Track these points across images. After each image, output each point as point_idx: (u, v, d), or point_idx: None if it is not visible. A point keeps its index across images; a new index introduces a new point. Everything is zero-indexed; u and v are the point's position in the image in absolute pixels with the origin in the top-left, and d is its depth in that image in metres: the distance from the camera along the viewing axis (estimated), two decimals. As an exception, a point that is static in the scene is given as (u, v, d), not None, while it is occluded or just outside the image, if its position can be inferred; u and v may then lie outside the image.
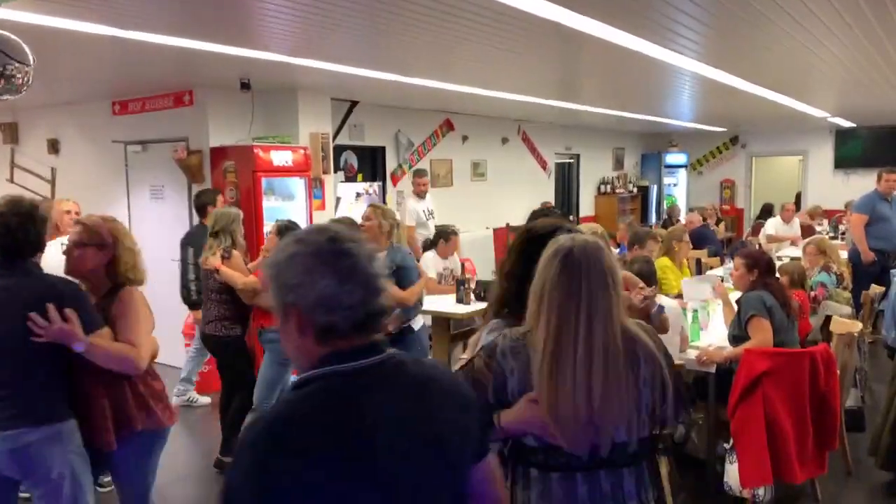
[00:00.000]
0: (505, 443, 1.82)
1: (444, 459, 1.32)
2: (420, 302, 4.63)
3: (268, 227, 6.34)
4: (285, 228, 4.14)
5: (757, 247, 8.73)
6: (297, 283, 1.25)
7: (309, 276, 1.24)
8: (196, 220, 5.81)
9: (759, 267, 4.13)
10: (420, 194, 7.83)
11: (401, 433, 1.25)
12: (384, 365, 1.30)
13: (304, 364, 1.29)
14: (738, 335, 4.02)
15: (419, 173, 7.98)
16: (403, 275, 4.34)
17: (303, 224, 6.65)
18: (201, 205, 5.56)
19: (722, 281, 6.74)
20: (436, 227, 6.98)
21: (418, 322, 4.62)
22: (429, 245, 6.82)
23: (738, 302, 4.15)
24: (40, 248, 2.64)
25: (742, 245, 8.75)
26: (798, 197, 13.12)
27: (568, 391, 1.67)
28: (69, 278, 2.68)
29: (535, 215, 2.97)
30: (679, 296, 5.05)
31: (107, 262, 2.75)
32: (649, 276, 4.06)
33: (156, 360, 2.90)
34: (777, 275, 4.57)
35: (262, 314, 4.24)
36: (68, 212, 4.50)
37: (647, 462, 1.86)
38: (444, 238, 6.38)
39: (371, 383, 1.27)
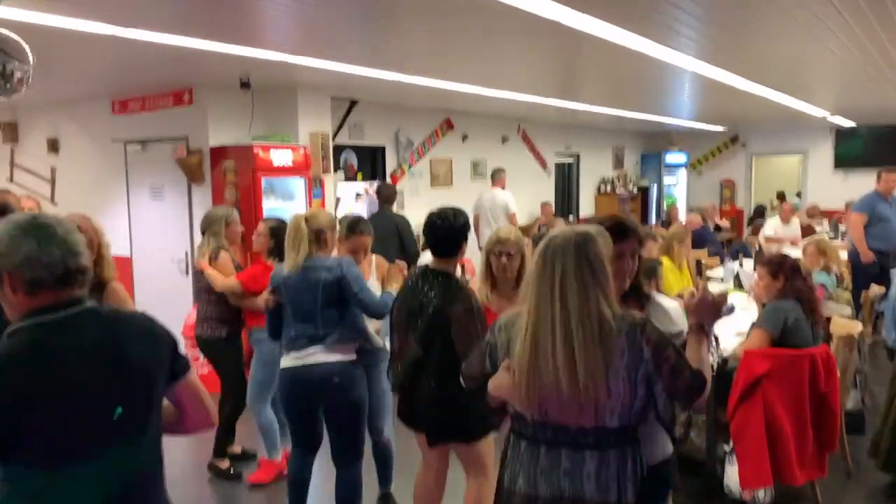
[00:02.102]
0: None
1: (136, 383, 1.69)
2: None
3: (267, 226, 6.35)
4: (277, 230, 4.09)
5: (757, 247, 8.75)
6: (4, 251, 1.58)
7: (14, 244, 1.57)
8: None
9: (784, 271, 3.98)
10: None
11: (95, 367, 1.61)
12: (81, 315, 1.64)
13: (17, 318, 1.61)
14: None
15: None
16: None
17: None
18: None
19: (721, 281, 6.75)
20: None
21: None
22: (426, 245, 6.79)
23: (763, 306, 4.04)
24: None
25: (742, 247, 8.75)
26: (781, 195, 13.10)
27: (538, 363, 1.91)
28: None
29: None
30: (680, 296, 5.04)
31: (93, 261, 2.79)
32: (650, 276, 4.04)
33: None
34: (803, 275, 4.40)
35: (251, 315, 4.23)
36: (30, 209, 4.54)
37: (631, 454, 1.96)
38: None
39: (69, 329, 1.60)
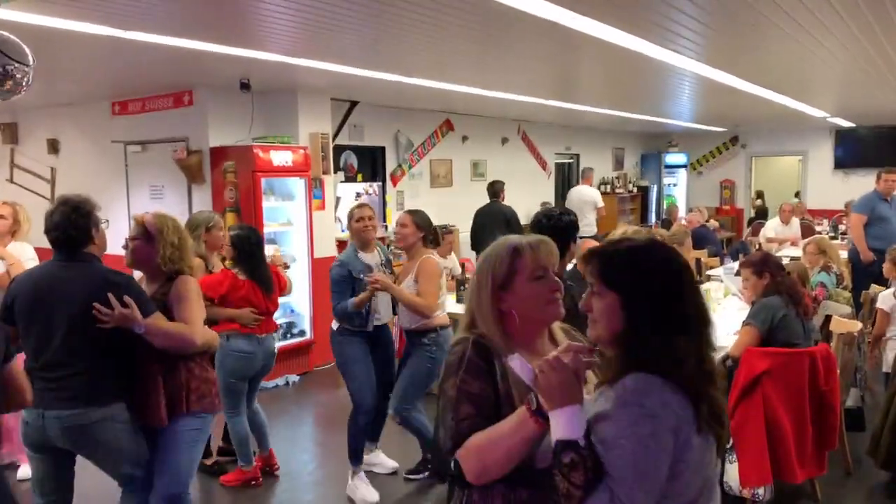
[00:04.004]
0: None
1: None
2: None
3: (268, 227, 6.35)
4: (234, 239, 4.20)
5: (756, 247, 8.75)
6: None
7: None
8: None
9: (769, 268, 4.02)
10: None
11: None
12: None
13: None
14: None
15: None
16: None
17: (300, 224, 6.67)
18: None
19: (721, 282, 6.75)
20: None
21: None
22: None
23: (753, 304, 4.06)
24: (90, 240, 2.86)
25: (742, 247, 8.76)
26: (760, 195, 13.07)
27: None
28: (119, 270, 2.92)
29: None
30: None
31: (156, 254, 2.98)
32: None
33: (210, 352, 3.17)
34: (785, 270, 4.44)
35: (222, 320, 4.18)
36: (2, 216, 4.57)
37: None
38: None
39: None
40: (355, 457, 4.18)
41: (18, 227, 4.61)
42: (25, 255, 4.53)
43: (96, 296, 2.71)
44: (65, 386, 2.73)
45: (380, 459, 4.51)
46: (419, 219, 4.10)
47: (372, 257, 4.15)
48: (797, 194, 13.29)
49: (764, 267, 4.04)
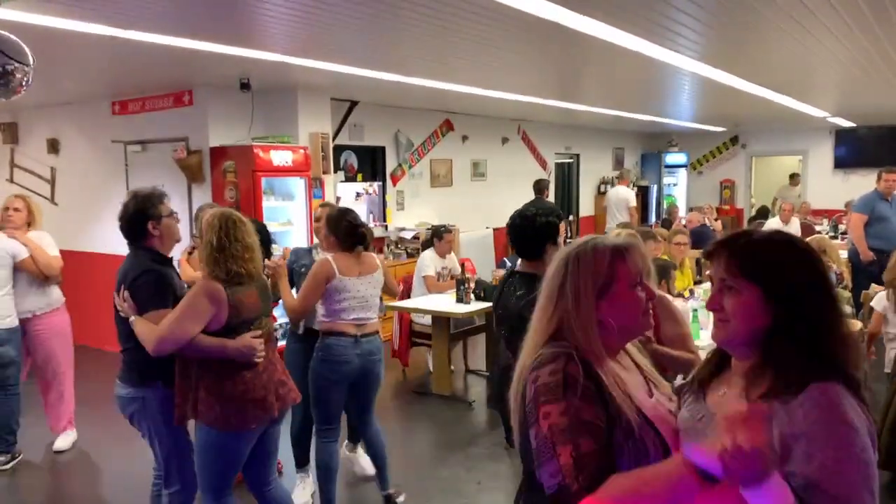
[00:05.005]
0: None
1: None
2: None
3: (268, 227, 6.35)
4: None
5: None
6: None
7: None
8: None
9: None
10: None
11: None
12: None
13: None
14: None
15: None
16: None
17: (300, 224, 6.66)
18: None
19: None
20: (431, 226, 7.01)
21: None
22: (426, 244, 6.86)
23: None
24: (143, 232, 3.03)
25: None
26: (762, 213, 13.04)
27: None
28: (149, 263, 3.03)
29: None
30: (680, 295, 5.05)
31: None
32: (663, 277, 4.06)
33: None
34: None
35: None
36: (6, 208, 4.75)
37: None
38: (437, 237, 6.46)
39: None
40: (300, 460, 4.16)
41: (34, 219, 4.76)
42: (44, 242, 4.72)
43: (119, 285, 2.97)
44: (120, 360, 3.09)
45: (361, 462, 4.41)
46: (330, 216, 3.79)
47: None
48: (792, 176, 13.22)
49: None
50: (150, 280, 2.94)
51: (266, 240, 4.18)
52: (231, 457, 2.97)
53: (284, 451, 4.65)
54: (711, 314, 1.46)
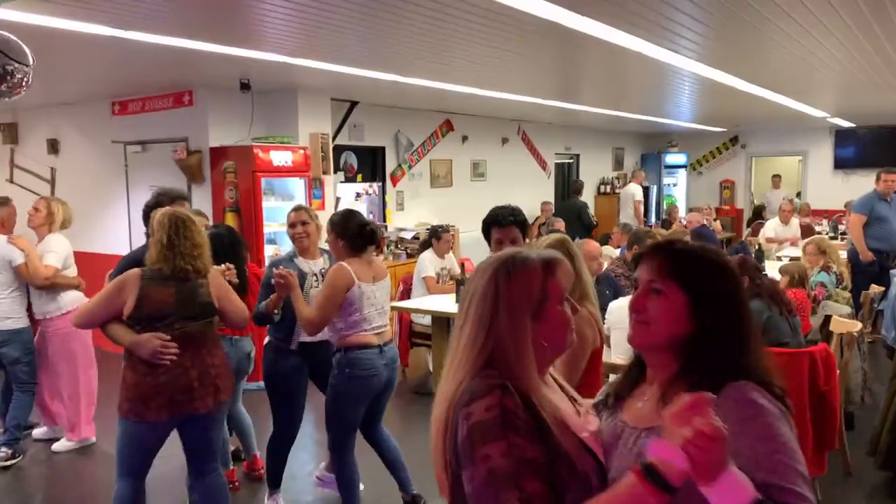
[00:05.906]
0: None
1: None
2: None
3: (268, 227, 6.36)
4: (210, 237, 3.52)
5: (756, 247, 8.74)
6: None
7: None
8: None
9: (747, 272, 3.98)
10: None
11: None
12: None
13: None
14: None
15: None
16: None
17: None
18: None
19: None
20: (430, 226, 7.01)
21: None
22: (424, 245, 6.86)
23: None
24: (147, 225, 3.32)
25: (742, 247, 8.74)
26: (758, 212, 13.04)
27: None
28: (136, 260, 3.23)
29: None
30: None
31: None
32: None
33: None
34: (763, 269, 4.42)
35: None
36: (36, 209, 4.85)
37: None
38: (435, 237, 6.44)
39: None
40: (272, 479, 3.86)
41: (53, 220, 4.78)
42: (47, 247, 4.70)
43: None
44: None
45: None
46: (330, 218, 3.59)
47: (314, 264, 3.76)
48: (798, 195, 13.28)
49: (743, 271, 3.98)
50: (121, 274, 3.07)
51: (232, 243, 3.94)
52: (133, 444, 3.07)
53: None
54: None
